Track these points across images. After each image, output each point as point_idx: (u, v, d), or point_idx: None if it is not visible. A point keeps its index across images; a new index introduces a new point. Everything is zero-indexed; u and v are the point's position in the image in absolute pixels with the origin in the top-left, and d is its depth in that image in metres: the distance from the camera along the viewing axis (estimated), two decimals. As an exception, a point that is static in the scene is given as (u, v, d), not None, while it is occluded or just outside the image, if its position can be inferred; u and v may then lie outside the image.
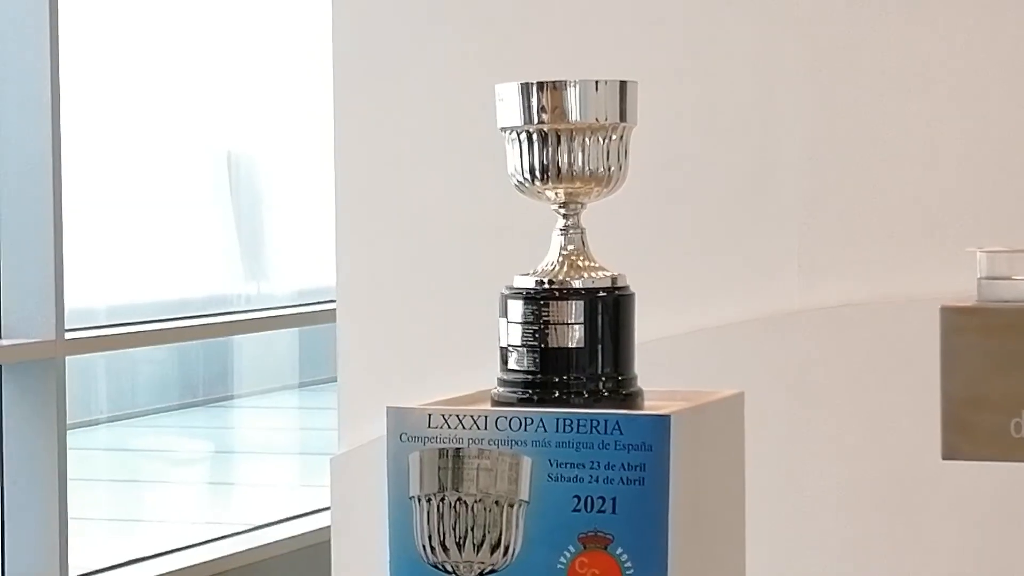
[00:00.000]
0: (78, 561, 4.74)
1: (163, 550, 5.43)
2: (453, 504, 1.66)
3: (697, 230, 3.35)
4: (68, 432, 4.80)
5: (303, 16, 5.83)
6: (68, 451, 4.73)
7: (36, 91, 4.66)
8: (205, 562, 5.37)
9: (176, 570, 5.25)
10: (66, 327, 4.81)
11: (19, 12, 4.70)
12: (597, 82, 1.67)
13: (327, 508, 3.96)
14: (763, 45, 3.29)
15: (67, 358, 4.79)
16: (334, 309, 3.43)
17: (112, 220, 4.94)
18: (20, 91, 4.75)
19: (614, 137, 1.71)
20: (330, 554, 3.46)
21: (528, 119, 1.64)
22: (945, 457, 1.48)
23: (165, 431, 5.89)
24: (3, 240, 4.67)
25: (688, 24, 3.47)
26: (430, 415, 1.66)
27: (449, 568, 1.63)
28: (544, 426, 1.63)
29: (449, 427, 1.66)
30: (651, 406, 1.74)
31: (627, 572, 1.58)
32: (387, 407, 1.74)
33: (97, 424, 4.78)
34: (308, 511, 5.80)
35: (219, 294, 5.58)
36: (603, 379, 1.73)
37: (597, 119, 1.66)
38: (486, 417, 1.65)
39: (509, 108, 1.68)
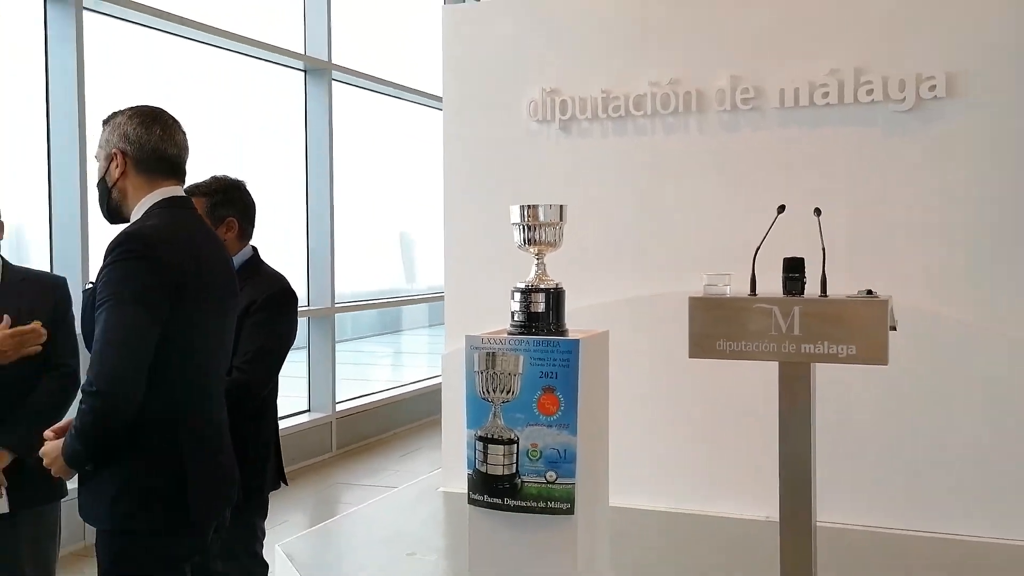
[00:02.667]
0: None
1: (376, 390, 8.76)
2: (490, 374, 3.44)
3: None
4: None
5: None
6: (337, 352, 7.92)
7: (322, 185, 7.25)
8: (397, 395, 8.76)
9: (386, 399, 8.44)
10: (336, 301, 7.74)
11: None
12: (548, 207, 3.47)
13: (440, 375, 6.40)
14: None
15: (336, 315, 7.83)
16: (443, 294, 5.79)
17: (353, 249, 7.93)
18: (318, 180, 7.48)
19: (558, 230, 3.55)
20: (441, 393, 5.61)
21: (524, 218, 3.47)
22: (691, 356, 3.18)
23: (371, 343, 11.08)
24: (311, 255, 7.55)
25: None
26: (481, 338, 3.46)
27: (489, 399, 3.44)
28: (528, 343, 3.42)
29: (489, 343, 3.44)
30: (574, 334, 3.51)
31: (561, 402, 3.39)
32: (466, 335, 3.55)
33: (343, 341, 8.02)
34: (433, 375, 9.00)
35: (396, 288, 9.59)
36: (552, 325, 3.51)
37: (551, 221, 3.47)
38: (504, 339, 3.45)
39: (515, 216, 3.52)
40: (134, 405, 2.12)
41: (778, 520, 3.19)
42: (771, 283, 3.15)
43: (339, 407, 7.56)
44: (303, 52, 7.35)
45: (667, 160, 5.26)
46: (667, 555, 4.47)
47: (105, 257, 2.18)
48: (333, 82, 7.51)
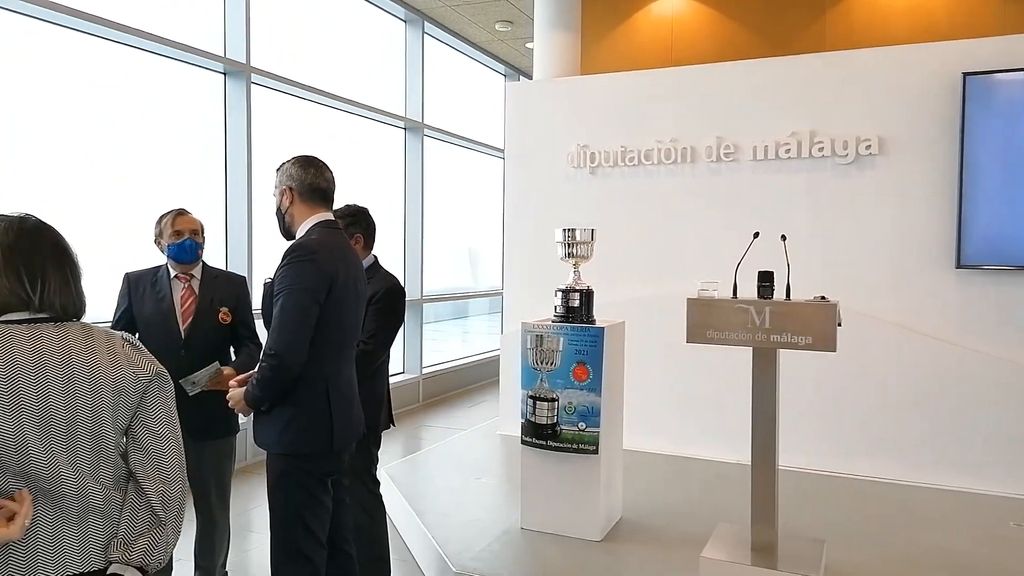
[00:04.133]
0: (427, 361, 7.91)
1: (451, 359, 8.78)
2: (539, 350, 3.49)
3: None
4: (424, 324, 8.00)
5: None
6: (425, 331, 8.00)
7: (415, 212, 7.22)
8: (465, 363, 8.65)
9: (458, 365, 8.51)
10: (424, 295, 7.80)
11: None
12: (583, 230, 3.52)
13: (497, 349, 6.40)
14: None
15: (423, 304, 7.88)
16: (499, 291, 5.70)
17: (436, 257, 8.24)
18: (413, 210, 7.29)
19: (590, 247, 3.58)
20: (500, 362, 5.62)
21: (566, 239, 3.51)
22: (687, 342, 3.20)
23: (447, 325, 10.72)
24: (407, 261, 7.51)
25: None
26: (533, 324, 3.51)
27: (537, 368, 3.49)
28: (567, 329, 3.46)
29: (538, 327, 3.49)
30: (600, 323, 3.54)
31: (590, 372, 3.43)
32: (521, 321, 3.60)
33: (428, 323, 8.17)
34: (492, 349, 9.01)
35: (465, 286, 9.53)
36: (584, 316, 3.55)
37: (585, 240, 3.52)
38: (549, 325, 3.49)
39: (558, 236, 3.55)
40: (299, 366, 2.19)
41: (749, 463, 3.19)
42: (748, 290, 3.15)
43: (425, 370, 7.67)
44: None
45: (669, 197, 5.25)
46: (665, 486, 4.47)
47: (282, 260, 2.25)
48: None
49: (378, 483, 3.20)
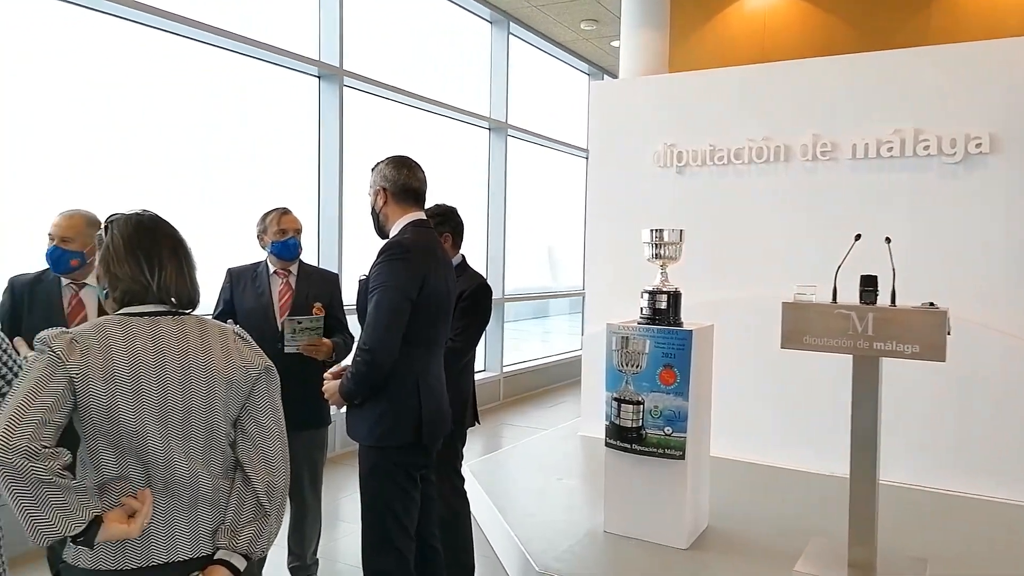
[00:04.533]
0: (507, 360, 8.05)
1: (531, 358, 8.81)
2: (624, 352, 3.44)
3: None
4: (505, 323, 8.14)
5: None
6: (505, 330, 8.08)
7: (498, 214, 7.32)
8: (546, 362, 8.65)
9: (538, 364, 8.53)
10: (505, 294, 7.85)
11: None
12: (671, 230, 3.45)
13: (578, 349, 6.28)
14: None
15: (504, 303, 7.97)
16: (581, 291, 5.66)
17: (516, 257, 8.34)
18: (496, 211, 7.43)
19: (678, 248, 3.51)
20: (581, 362, 5.55)
21: (653, 239, 3.44)
22: (783, 347, 3.09)
23: (527, 324, 10.96)
24: (490, 262, 7.74)
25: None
26: (618, 325, 3.46)
27: (622, 370, 3.44)
28: (653, 331, 3.40)
29: (624, 329, 3.44)
30: (688, 326, 3.46)
31: (677, 376, 3.35)
32: (606, 322, 3.55)
33: (508, 321, 8.16)
34: (571, 349, 9.10)
35: (544, 285, 9.49)
36: (671, 318, 3.48)
37: (673, 241, 3.44)
38: (635, 327, 3.43)
39: (645, 236, 3.50)
40: (391, 361, 2.23)
41: (844, 476, 3.05)
42: (847, 294, 3.02)
43: (505, 368, 7.70)
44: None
45: (760, 197, 5.09)
46: (755, 496, 4.32)
47: (376, 258, 2.30)
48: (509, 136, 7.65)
49: (463, 479, 3.21)
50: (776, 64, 5.26)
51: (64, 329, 1.43)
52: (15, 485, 1.28)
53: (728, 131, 5.20)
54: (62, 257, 2.57)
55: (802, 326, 3.07)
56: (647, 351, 3.47)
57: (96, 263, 1.55)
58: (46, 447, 1.31)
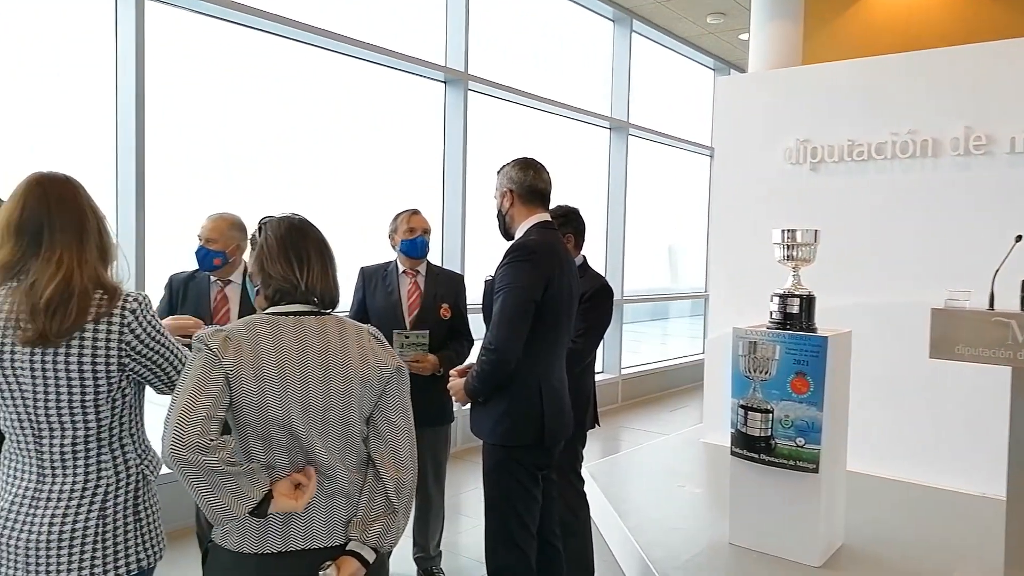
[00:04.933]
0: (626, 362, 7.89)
1: (650, 360, 8.67)
2: (751, 358, 3.31)
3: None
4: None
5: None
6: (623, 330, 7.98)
7: (618, 214, 7.34)
8: (665, 365, 8.48)
9: (657, 368, 8.38)
10: (624, 295, 7.75)
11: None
12: (805, 231, 3.27)
13: (699, 353, 6.13)
14: None
15: (623, 305, 7.86)
16: (703, 293, 5.48)
17: (635, 257, 8.15)
18: (615, 210, 7.42)
19: (812, 249, 3.34)
20: (704, 367, 5.39)
21: (785, 240, 3.30)
22: (931, 357, 2.87)
23: (644, 326, 10.80)
24: (608, 262, 7.55)
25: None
26: (746, 329, 3.33)
27: (749, 376, 3.30)
28: (784, 337, 3.25)
29: (752, 334, 3.30)
30: (822, 331, 3.29)
31: (811, 384, 3.19)
32: (733, 327, 3.43)
33: (626, 323, 8.02)
34: (692, 352, 8.93)
35: (664, 286, 9.32)
36: (804, 323, 3.31)
37: (807, 242, 3.27)
38: (764, 332, 3.30)
39: (776, 237, 3.35)
40: (515, 361, 2.26)
41: (996, 497, 2.79)
42: (1006, 301, 2.76)
43: (624, 371, 7.62)
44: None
45: (904, 195, 4.75)
46: (895, 515, 4.04)
47: (502, 259, 2.33)
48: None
49: (582, 481, 3.20)
50: (923, 52, 4.89)
51: (219, 327, 1.54)
52: (192, 477, 1.41)
53: (869, 125, 4.89)
54: (207, 256, 2.80)
55: (953, 335, 2.83)
56: (777, 357, 3.32)
57: (250, 262, 1.65)
58: (213, 440, 1.42)
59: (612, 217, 7.55)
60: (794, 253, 3.42)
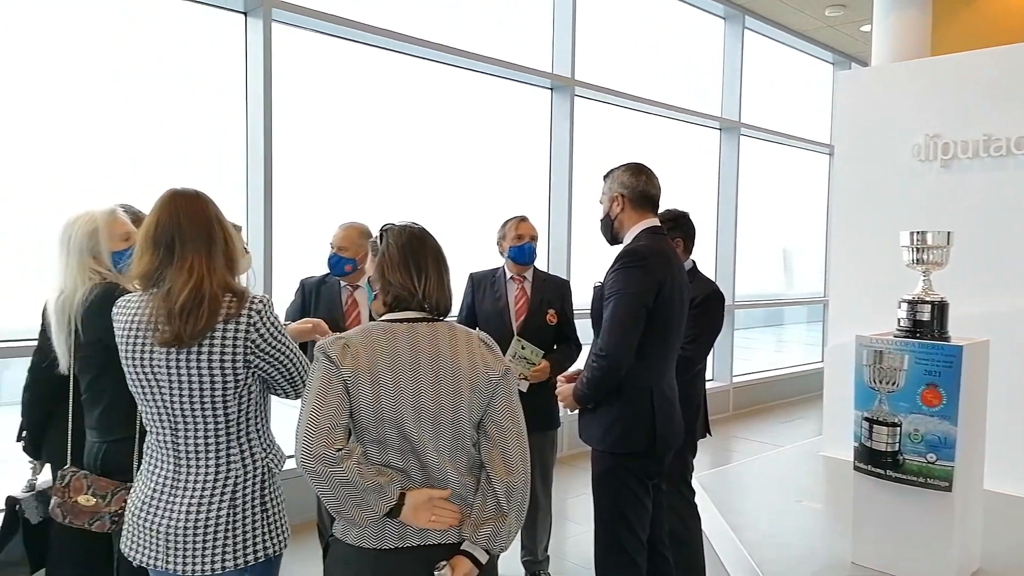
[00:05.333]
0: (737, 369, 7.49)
1: (763, 368, 8.45)
2: (877, 368, 3.14)
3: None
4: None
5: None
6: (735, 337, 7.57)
7: (729, 215, 7.24)
8: (780, 374, 8.24)
9: (771, 376, 8.09)
10: (735, 300, 7.47)
11: None
12: (936, 232, 3.07)
13: (818, 361, 5.90)
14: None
15: (735, 311, 7.32)
16: (821, 299, 5.25)
17: (747, 261, 7.82)
18: (725, 213, 7.31)
19: (944, 252, 3.14)
20: (824, 376, 5.14)
21: (915, 242, 3.10)
22: None
23: (761, 332, 10.55)
24: (719, 266, 7.46)
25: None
26: (870, 338, 3.16)
27: (874, 387, 3.13)
28: (913, 346, 3.06)
29: (877, 342, 3.13)
30: (956, 340, 3.08)
31: (943, 397, 2.99)
32: (856, 335, 3.26)
33: (737, 329, 7.72)
34: (810, 361, 8.48)
35: (777, 291, 8.89)
36: (935, 331, 3.11)
37: (938, 244, 3.06)
38: (891, 340, 3.12)
39: (904, 239, 3.16)
40: (626, 367, 2.24)
41: None
42: None
43: (735, 379, 7.38)
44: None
45: (1050, 192, 4.37)
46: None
47: (613, 264, 2.32)
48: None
49: (693, 491, 3.14)
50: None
51: (337, 335, 1.61)
52: (321, 487, 1.50)
53: (1008, 118, 4.53)
54: (339, 263, 2.96)
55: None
56: (905, 367, 3.12)
57: (371, 268, 1.71)
58: (340, 449, 1.50)
59: (723, 220, 7.35)
60: (924, 256, 3.21)
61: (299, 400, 1.64)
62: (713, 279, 3.31)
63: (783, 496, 4.33)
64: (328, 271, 2.99)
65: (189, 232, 1.64)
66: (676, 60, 7.00)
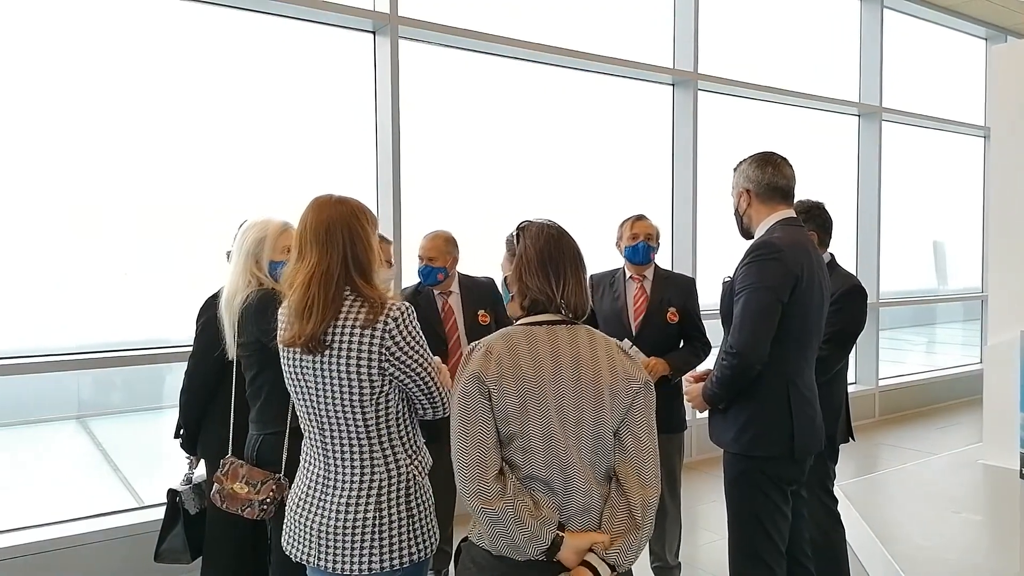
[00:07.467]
0: (884, 372, 6.94)
1: (913, 371, 7.75)
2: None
3: None
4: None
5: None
6: (880, 337, 6.99)
7: (871, 205, 6.85)
8: (933, 377, 7.59)
9: (923, 379, 7.46)
10: (880, 297, 6.91)
11: None
12: None
13: (975, 363, 5.48)
14: None
15: (879, 309, 6.90)
16: (979, 295, 4.84)
17: (893, 255, 7.31)
18: (868, 204, 6.95)
19: None
20: (983, 378, 4.67)
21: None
22: None
23: (910, 332, 9.64)
24: (860, 261, 7.11)
25: None
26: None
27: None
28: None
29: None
30: None
31: None
32: (1021, 331, 2.98)
33: (883, 329, 7.27)
34: (967, 363, 7.85)
35: (928, 287, 8.20)
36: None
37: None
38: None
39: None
40: (760, 364, 2.16)
41: None
42: None
43: (881, 382, 6.91)
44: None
45: None
46: None
47: (743, 258, 2.24)
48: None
49: (835, 500, 2.98)
50: None
51: (478, 343, 1.61)
52: (479, 520, 1.54)
53: None
54: (431, 273, 3.11)
55: None
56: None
57: (507, 268, 1.68)
58: (491, 486, 1.51)
59: (864, 211, 6.91)
60: (1101, 243, 2.89)
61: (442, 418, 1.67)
62: (854, 274, 3.12)
63: (938, 507, 4.01)
64: (420, 281, 3.11)
65: (312, 236, 1.70)
66: (808, 46, 6.67)
